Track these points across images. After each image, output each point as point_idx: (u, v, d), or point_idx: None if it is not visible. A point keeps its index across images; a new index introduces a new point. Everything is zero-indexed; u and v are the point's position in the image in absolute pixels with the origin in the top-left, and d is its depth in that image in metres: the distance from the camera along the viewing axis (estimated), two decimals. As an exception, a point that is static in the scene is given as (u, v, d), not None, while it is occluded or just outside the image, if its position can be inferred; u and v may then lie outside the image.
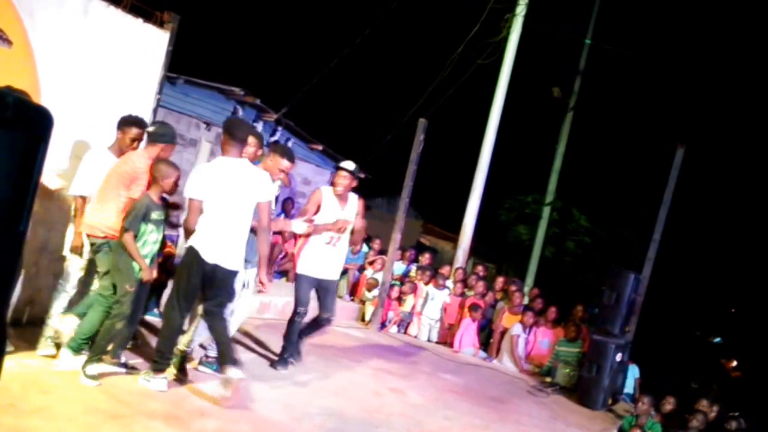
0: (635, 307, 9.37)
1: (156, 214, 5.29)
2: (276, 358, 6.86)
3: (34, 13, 5.72)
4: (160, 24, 6.96)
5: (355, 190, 7.06)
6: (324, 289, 6.87)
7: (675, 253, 16.09)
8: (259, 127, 14.29)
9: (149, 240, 5.26)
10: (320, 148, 15.69)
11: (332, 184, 6.90)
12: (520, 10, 11.99)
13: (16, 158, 1.61)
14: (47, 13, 5.83)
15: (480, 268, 12.04)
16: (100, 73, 6.36)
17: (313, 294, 6.84)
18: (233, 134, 5.44)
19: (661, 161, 10.40)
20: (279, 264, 11.24)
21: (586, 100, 16.49)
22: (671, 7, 17.66)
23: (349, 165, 6.89)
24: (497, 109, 12.54)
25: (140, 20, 6.69)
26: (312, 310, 7.01)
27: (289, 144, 14.48)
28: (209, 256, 5.21)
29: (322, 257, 6.72)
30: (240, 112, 14.18)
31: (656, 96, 18.66)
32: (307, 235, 6.57)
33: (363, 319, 11.01)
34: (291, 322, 6.76)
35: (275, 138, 14.75)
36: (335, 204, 6.77)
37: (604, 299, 9.13)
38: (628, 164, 18.67)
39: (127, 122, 5.71)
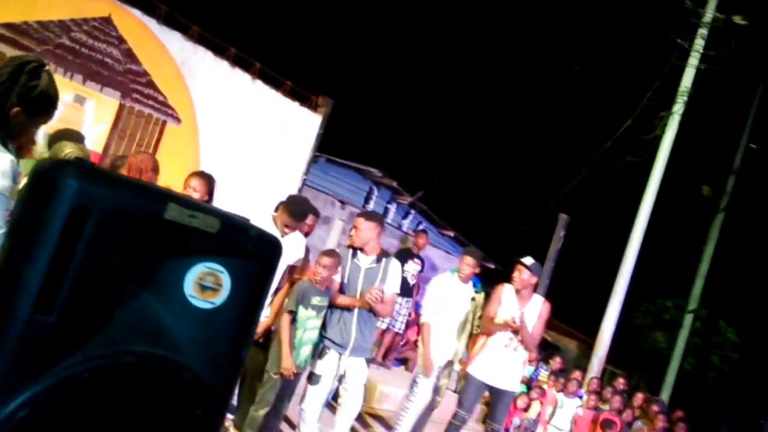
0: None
1: (317, 300, 5.01)
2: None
3: (201, 93, 6.02)
4: (314, 107, 7.16)
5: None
6: (496, 398, 6.26)
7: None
8: (393, 209, 14.36)
9: (308, 326, 5.03)
10: (451, 234, 15.52)
11: (510, 279, 6.44)
12: (678, 108, 11.43)
13: (249, 288, 1.58)
14: (213, 91, 6.13)
15: (620, 381, 11.13)
16: (255, 150, 6.57)
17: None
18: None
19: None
20: (399, 351, 10.96)
21: (739, 202, 15.37)
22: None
23: (528, 260, 6.44)
24: (646, 209, 11.84)
25: (297, 103, 6.91)
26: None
27: (420, 228, 14.41)
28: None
29: (499, 361, 6.17)
30: (375, 193, 14.35)
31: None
32: (486, 334, 6.13)
33: (484, 421, 10.40)
34: (448, 425, 6.22)
35: (407, 220, 14.76)
36: (514, 302, 6.32)
37: None
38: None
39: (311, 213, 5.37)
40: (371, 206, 14.90)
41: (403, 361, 10.98)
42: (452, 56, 16.32)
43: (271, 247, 1.58)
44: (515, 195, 17.05)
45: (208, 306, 1.49)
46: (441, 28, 16.18)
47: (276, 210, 5.14)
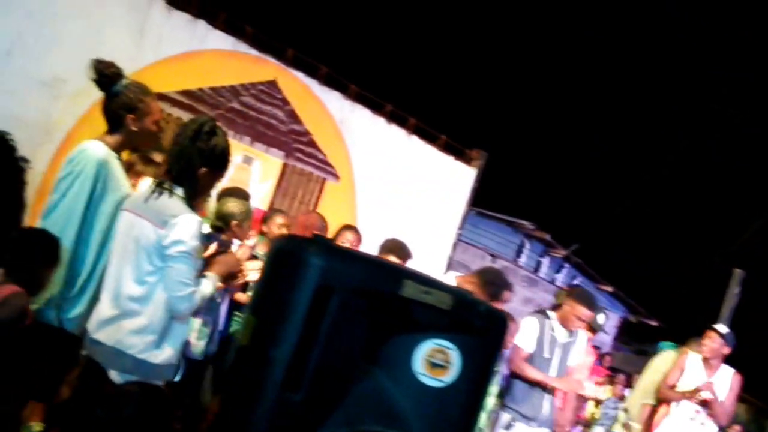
0: None
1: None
2: None
3: (358, 150, 6.09)
4: (469, 161, 7.04)
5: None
6: None
7: None
8: (545, 262, 13.84)
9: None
10: (610, 289, 14.66)
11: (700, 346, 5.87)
12: None
13: (478, 365, 1.53)
14: (369, 147, 6.18)
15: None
16: (410, 205, 6.52)
17: None
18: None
19: None
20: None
21: None
22: None
23: (722, 328, 5.89)
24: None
25: (452, 157, 6.82)
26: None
27: (576, 282, 13.74)
28: None
29: None
30: (527, 247, 13.91)
31: None
32: (665, 403, 5.60)
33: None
34: None
35: (560, 274, 14.14)
36: (701, 370, 5.77)
37: None
38: None
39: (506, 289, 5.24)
40: (523, 260, 14.46)
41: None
42: (608, 106, 15.73)
43: (499, 323, 1.53)
44: (680, 247, 15.88)
45: (437, 384, 1.45)
46: (597, 83, 15.69)
47: (455, 275, 4.96)
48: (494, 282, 4.64)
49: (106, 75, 2.76)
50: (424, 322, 1.44)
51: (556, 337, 4.62)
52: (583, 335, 4.90)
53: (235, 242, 3.88)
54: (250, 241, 4.25)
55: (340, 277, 1.32)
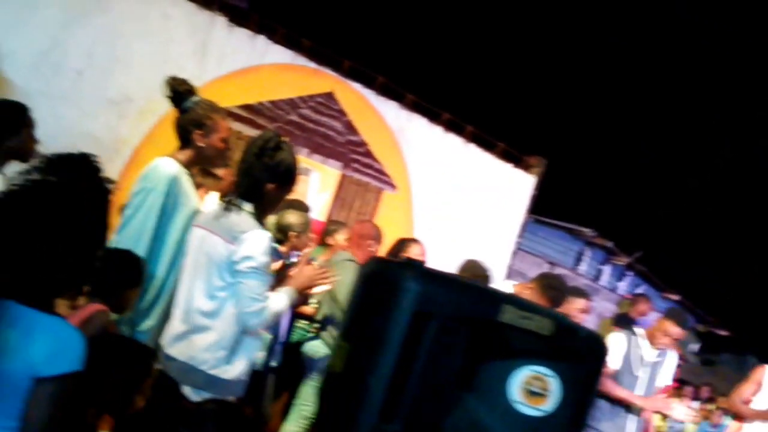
0: None
1: None
2: None
3: (415, 159, 6.09)
4: (527, 168, 6.95)
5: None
6: None
7: None
8: (607, 270, 13.53)
9: None
10: (676, 297, 14.20)
11: None
12: None
13: (578, 393, 1.49)
14: (426, 156, 6.17)
15: None
16: (468, 214, 6.48)
17: None
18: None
19: None
20: None
21: None
22: None
23: None
24: None
25: (510, 165, 6.74)
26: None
27: (639, 291, 13.38)
28: None
29: None
30: (587, 254, 13.63)
31: None
32: (739, 419, 5.34)
33: None
34: None
35: (623, 282, 13.79)
36: None
37: None
38: None
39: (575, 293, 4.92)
40: (583, 268, 14.16)
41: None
42: (673, 108, 15.30)
43: (599, 349, 1.46)
44: (749, 254, 15.27)
45: (535, 413, 1.40)
46: (661, 83, 15.29)
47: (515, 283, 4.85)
48: (555, 286, 4.54)
49: (178, 91, 2.83)
50: (522, 349, 1.39)
51: (643, 356, 4.44)
52: (673, 355, 4.67)
53: (294, 253, 3.92)
54: (308, 252, 4.29)
55: (438, 303, 1.28)
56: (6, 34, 3.72)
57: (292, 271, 2.83)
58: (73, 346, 1.59)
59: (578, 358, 1.44)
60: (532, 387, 1.40)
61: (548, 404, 1.41)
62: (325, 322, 4.23)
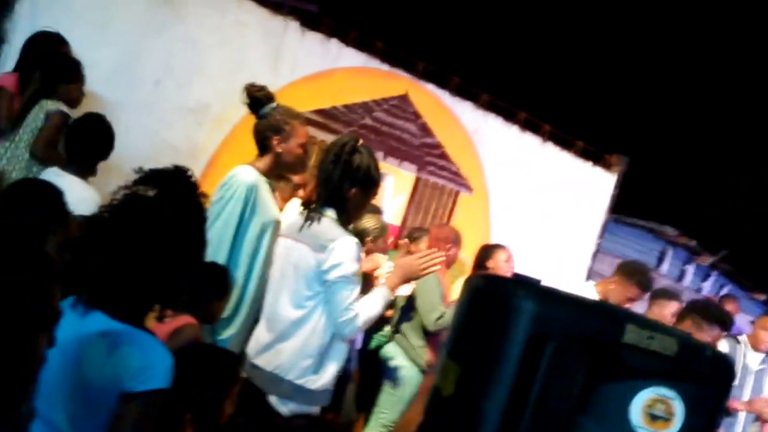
0: None
1: None
2: None
3: (491, 160, 5.94)
4: (607, 166, 6.70)
5: None
6: None
7: None
8: (690, 270, 12.97)
9: None
10: (764, 298, 13.49)
11: None
12: None
13: (703, 418, 1.38)
14: (502, 157, 6.01)
15: None
16: (546, 215, 6.30)
17: None
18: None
19: None
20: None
21: None
22: None
23: None
24: None
25: (590, 163, 6.51)
26: None
27: (725, 292, 12.77)
28: None
29: None
30: (669, 254, 13.09)
31: None
32: None
33: None
34: None
35: (707, 283, 13.20)
36: None
37: None
38: None
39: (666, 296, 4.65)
40: (665, 268, 13.61)
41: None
42: (759, 104, 14.59)
43: (726, 369, 1.35)
44: None
45: None
46: (750, 77, 14.62)
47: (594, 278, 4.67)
48: (640, 271, 4.40)
49: (256, 98, 2.84)
50: (644, 370, 1.30)
51: (748, 364, 4.20)
52: None
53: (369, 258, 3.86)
54: (383, 257, 4.23)
55: (556, 324, 1.20)
56: (85, 48, 3.82)
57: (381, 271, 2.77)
58: (161, 363, 1.57)
59: (704, 379, 1.35)
60: (654, 411, 1.31)
61: (672, 429, 1.32)
62: (400, 324, 4.18)
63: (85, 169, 3.23)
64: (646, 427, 1.31)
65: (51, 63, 3.56)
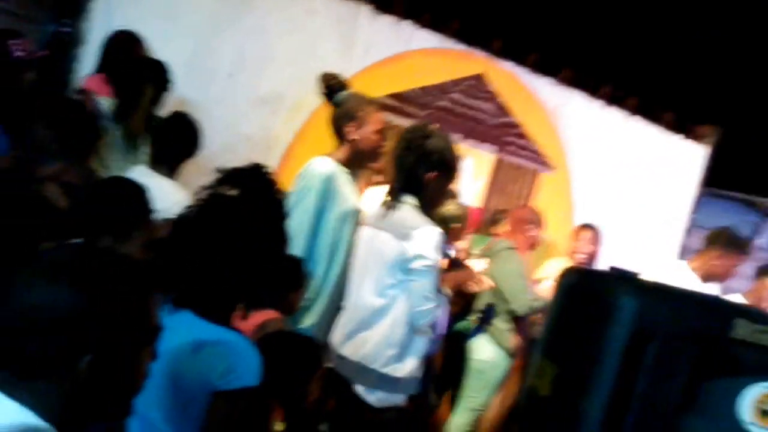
0: None
1: None
2: None
3: (572, 137, 5.74)
4: (699, 138, 6.36)
5: None
6: None
7: None
8: (793, 243, 12.20)
9: None
10: None
11: None
12: None
13: None
14: (584, 133, 5.79)
15: None
16: (632, 192, 6.04)
17: None
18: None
19: None
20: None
21: None
22: None
23: None
24: None
25: (679, 136, 6.20)
26: None
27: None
28: None
29: None
30: (766, 226, 12.39)
31: None
32: None
33: None
34: None
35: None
36: None
37: None
38: None
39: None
40: (763, 240, 12.90)
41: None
42: None
43: None
44: None
45: None
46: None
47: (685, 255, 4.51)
48: (735, 236, 4.31)
49: (329, 86, 2.84)
50: (755, 365, 1.23)
51: None
52: None
53: (452, 245, 3.80)
54: (463, 244, 4.15)
55: (659, 320, 1.13)
56: (157, 44, 3.84)
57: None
58: (249, 361, 1.58)
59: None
60: (766, 406, 1.24)
61: None
62: (488, 314, 4.13)
63: (173, 170, 3.26)
64: (757, 424, 1.22)
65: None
